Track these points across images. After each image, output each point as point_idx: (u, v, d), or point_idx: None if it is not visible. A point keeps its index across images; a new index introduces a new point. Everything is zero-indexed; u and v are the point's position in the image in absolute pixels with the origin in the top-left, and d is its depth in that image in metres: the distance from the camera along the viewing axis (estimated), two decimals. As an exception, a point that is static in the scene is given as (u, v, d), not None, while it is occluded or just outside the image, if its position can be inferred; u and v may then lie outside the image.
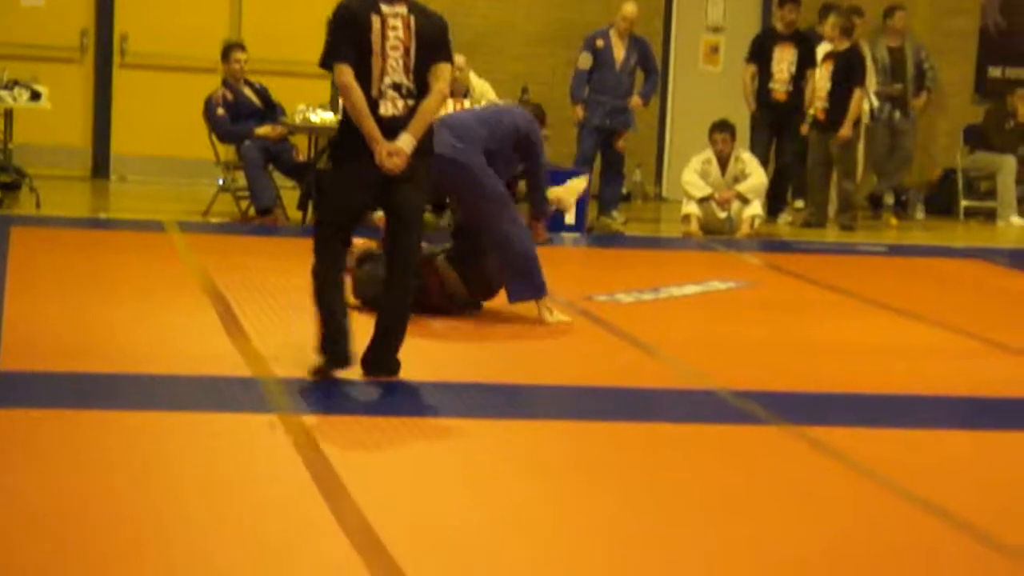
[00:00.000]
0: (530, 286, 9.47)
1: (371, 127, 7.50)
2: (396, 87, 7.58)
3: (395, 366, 7.79)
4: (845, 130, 15.11)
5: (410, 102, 7.60)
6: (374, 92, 7.55)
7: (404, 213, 7.68)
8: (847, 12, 15.74)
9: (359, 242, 10.11)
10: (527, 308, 9.50)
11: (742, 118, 15.62)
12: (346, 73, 7.52)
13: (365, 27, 7.54)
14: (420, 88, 7.62)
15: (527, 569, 5.27)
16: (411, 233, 7.72)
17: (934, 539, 5.84)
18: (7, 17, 16.01)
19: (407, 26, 7.59)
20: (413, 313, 7.93)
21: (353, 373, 7.80)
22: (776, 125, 15.76)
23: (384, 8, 7.57)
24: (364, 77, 7.54)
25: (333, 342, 7.63)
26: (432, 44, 7.65)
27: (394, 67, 7.56)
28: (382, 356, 7.77)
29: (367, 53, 7.54)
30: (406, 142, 7.53)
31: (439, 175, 9.26)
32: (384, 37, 7.55)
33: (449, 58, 7.74)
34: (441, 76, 7.64)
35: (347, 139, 7.66)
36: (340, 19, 7.63)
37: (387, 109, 7.56)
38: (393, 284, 7.74)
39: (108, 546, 5.22)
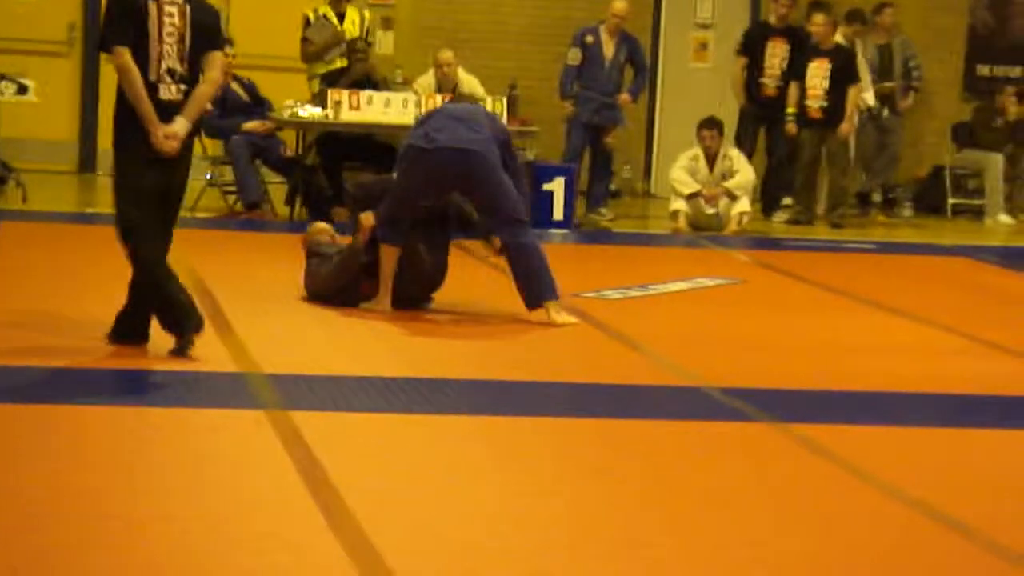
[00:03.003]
0: (548, 289, 9.41)
1: (148, 110, 7.80)
2: (171, 72, 7.88)
3: (146, 334, 8.04)
4: (847, 125, 15.13)
5: (183, 87, 7.91)
6: (152, 76, 7.84)
7: (175, 191, 8.01)
8: (846, 14, 15.75)
9: (321, 227, 10.10)
10: (518, 305, 9.47)
11: (731, 115, 15.61)
12: (124, 55, 7.81)
13: (143, 13, 7.83)
14: (193, 75, 7.95)
15: (515, 566, 5.24)
16: (175, 214, 8.08)
17: (924, 538, 5.82)
18: (-6, 11, 15.99)
19: (183, 14, 7.91)
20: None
21: (341, 368, 7.78)
22: (765, 120, 15.74)
23: None
24: (142, 62, 7.82)
25: (187, 312, 7.92)
26: (206, 33, 7.99)
27: (169, 53, 7.87)
28: (137, 323, 8.05)
29: (144, 38, 7.82)
30: (181, 126, 7.84)
31: (456, 166, 9.24)
32: (160, 24, 7.86)
33: (221, 47, 8.16)
34: (214, 64, 8.02)
35: (127, 122, 7.88)
36: (119, 4, 7.91)
37: (164, 93, 7.86)
38: (159, 257, 7.98)
39: (90, 543, 5.19)
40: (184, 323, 7.92)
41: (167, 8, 7.87)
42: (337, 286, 9.53)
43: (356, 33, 14.40)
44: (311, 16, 14.44)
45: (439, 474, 6.25)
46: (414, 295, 9.62)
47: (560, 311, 9.41)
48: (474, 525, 5.65)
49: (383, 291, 9.45)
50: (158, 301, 7.96)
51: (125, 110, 7.87)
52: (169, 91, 7.88)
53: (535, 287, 9.40)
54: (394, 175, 9.69)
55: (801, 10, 16.27)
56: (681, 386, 8.16)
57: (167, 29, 7.86)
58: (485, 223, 9.64)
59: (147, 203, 7.90)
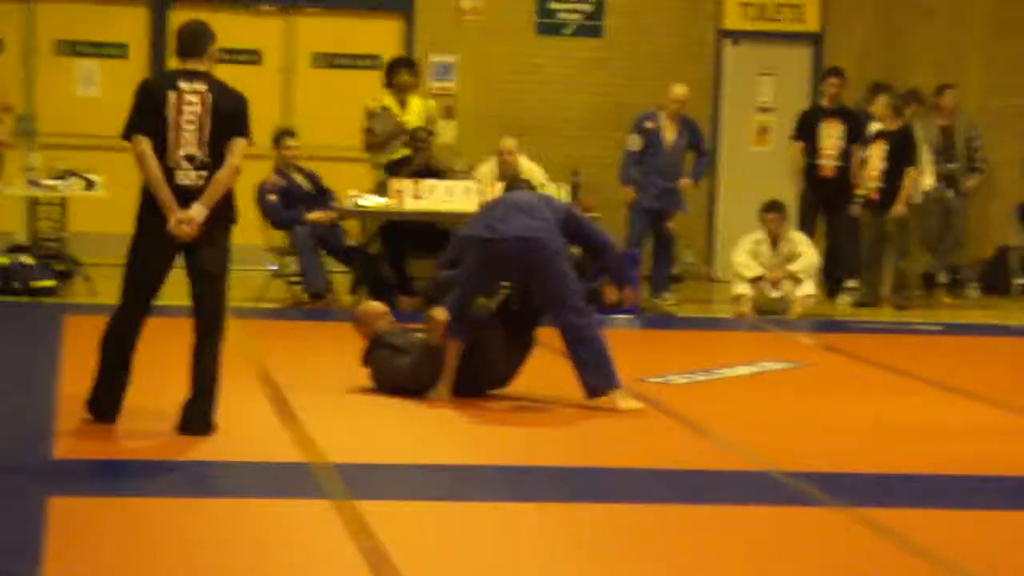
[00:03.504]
0: (609, 378, 9.40)
1: (165, 196, 8.07)
2: (190, 159, 8.11)
3: (208, 427, 8.17)
4: (899, 208, 15.08)
5: (203, 173, 8.13)
6: (170, 162, 8.10)
7: (205, 277, 8.24)
8: (904, 95, 15.75)
9: (378, 309, 10.06)
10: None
11: (792, 198, 15.60)
12: (141, 143, 8.09)
13: (161, 102, 8.10)
14: (216, 160, 8.15)
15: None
16: (214, 296, 8.28)
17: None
18: (64, 107, 16.21)
19: (204, 102, 8.13)
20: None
21: (407, 456, 7.79)
22: (825, 202, 15.72)
23: (182, 84, 8.15)
24: (160, 148, 8.08)
25: (98, 399, 8.23)
26: (228, 119, 8.19)
27: (189, 139, 8.09)
28: (196, 416, 8.18)
29: (163, 126, 8.08)
30: (197, 211, 8.09)
31: (517, 256, 9.27)
32: (180, 112, 8.11)
33: (244, 134, 8.25)
34: (234, 151, 8.18)
35: (147, 206, 8.18)
36: (139, 95, 8.23)
37: (182, 179, 8.10)
38: (202, 347, 8.24)
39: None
40: (95, 403, 8.26)
41: (187, 96, 8.12)
42: (418, 384, 9.52)
43: (418, 123, 14.49)
44: (373, 107, 14.54)
45: (507, 563, 6.23)
46: (480, 388, 9.60)
47: (625, 397, 9.39)
48: (542, 614, 5.61)
49: (445, 381, 9.45)
50: (96, 368, 8.26)
51: (147, 196, 8.16)
52: (188, 177, 8.12)
53: (601, 376, 9.37)
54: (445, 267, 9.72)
55: (859, 91, 16.28)
56: (748, 471, 8.11)
57: (186, 117, 8.10)
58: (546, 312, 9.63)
59: (149, 286, 8.20)
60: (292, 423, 8.62)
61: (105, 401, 8.31)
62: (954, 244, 16.65)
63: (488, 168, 14.41)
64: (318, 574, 5.94)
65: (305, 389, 9.58)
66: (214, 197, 8.13)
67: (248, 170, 14.92)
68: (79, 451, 7.81)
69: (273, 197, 14.01)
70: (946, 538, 6.78)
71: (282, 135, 14.42)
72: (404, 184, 13.68)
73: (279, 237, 14.43)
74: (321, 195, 14.29)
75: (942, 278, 16.62)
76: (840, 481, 7.82)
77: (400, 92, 14.58)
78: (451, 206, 13.57)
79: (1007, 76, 17.52)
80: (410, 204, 13.67)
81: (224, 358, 9.50)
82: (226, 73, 16.83)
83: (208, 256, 8.22)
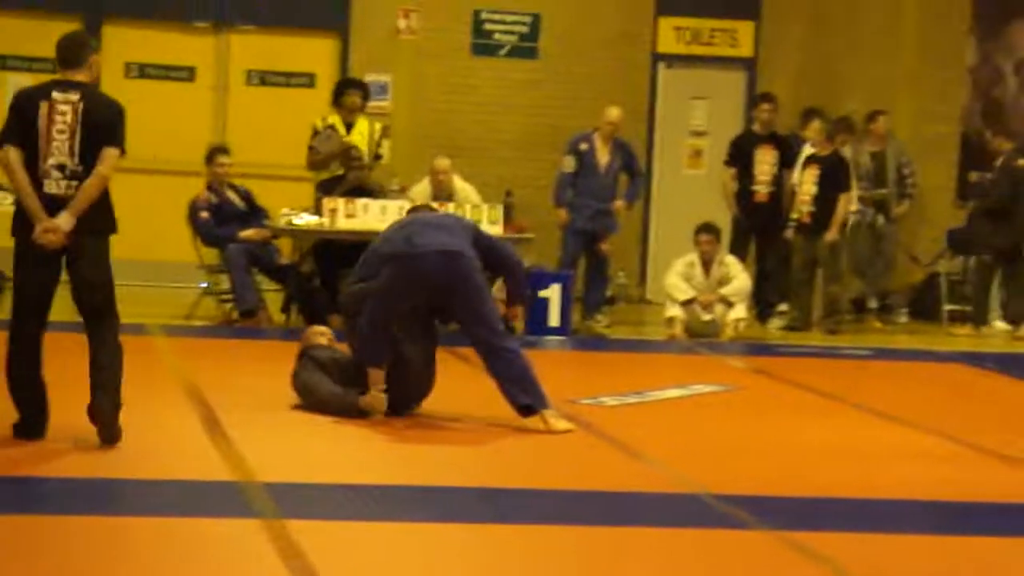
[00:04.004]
0: (539, 397, 9.39)
1: (31, 205, 8.17)
2: (60, 168, 8.19)
3: (116, 435, 8.24)
4: (832, 233, 15.18)
5: (74, 183, 8.20)
6: (40, 172, 8.17)
7: (86, 287, 8.32)
8: (837, 121, 15.87)
9: (319, 330, 10.09)
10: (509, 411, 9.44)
11: (726, 221, 15.68)
12: (9, 153, 8.21)
13: (34, 113, 8.20)
14: (89, 170, 8.23)
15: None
16: (99, 305, 8.38)
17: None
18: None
19: (75, 112, 8.22)
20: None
21: (337, 476, 7.77)
22: (758, 228, 15.81)
23: (55, 94, 8.25)
24: (31, 158, 8.18)
25: (20, 421, 8.30)
26: (100, 129, 8.25)
27: (60, 149, 8.18)
28: (107, 423, 8.24)
29: (35, 136, 8.18)
30: (64, 220, 8.15)
31: (441, 269, 9.26)
32: (51, 121, 8.20)
33: (115, 143, 8.30)
34: (104, 160, 8.23)
35: (20, 219, 8.27)
36: (12, 106, 8.34)
37: (50, 188, 8.18)
38: (97, 356, 8.35)
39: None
40: (24, 428, 8.30)
41: (59, 106, 8.20)
42: (332, 410, 9.48)
43: (364, 145, 14.43)
44: (319, 125, 14.49)
45: (435, 583, 6.22)
46: (403, 401, 9.59)
47: (557, 417, 9.39)
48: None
49: (373, 390, 9.40)
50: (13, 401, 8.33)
51: (21, 209, 8.26)
52: (57, 186, 8.20)
53: (528, 395, 9.36)
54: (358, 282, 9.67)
55: (792, 116, 16.40)
56: (678, 493, 8.13)
57: (57, 126, 8.19)
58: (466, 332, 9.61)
59: (27, 300, 8.31)
60: (222, 441, 8.58)
61: (26, 422, 8.30)
62: (884, 269, 16.77)
63: (422, 187, 14.42)
64: (246, 594, 5.91)
65: (235, 407, 9.53)
66: (81, 206, 8.19)
67: (181, 187, 15.09)
68: (4, 468, 7.72)
69: (205, 214, 13.95)
70: (873, 562, 6.82)
71: (215, 152, 14.37)
72: (337, 203, 13.66)
73: (211, 255, 14.37)
74: (254, 213, 14.24)
75: (872, 303, 16.73)
76: (768, 504, 7.84)
77: (349, 113, 14.52)
78: (384, 225, 13.50)
79: (936, 104, 17.67)
80: (343, 223, 13.66)
81: (153, 375, 9.48)
82: (159, 90, 16.94)
83: (86, 266, 8.29)
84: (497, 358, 9.38)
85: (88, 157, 8.20)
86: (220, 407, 9.49)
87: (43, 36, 16.30)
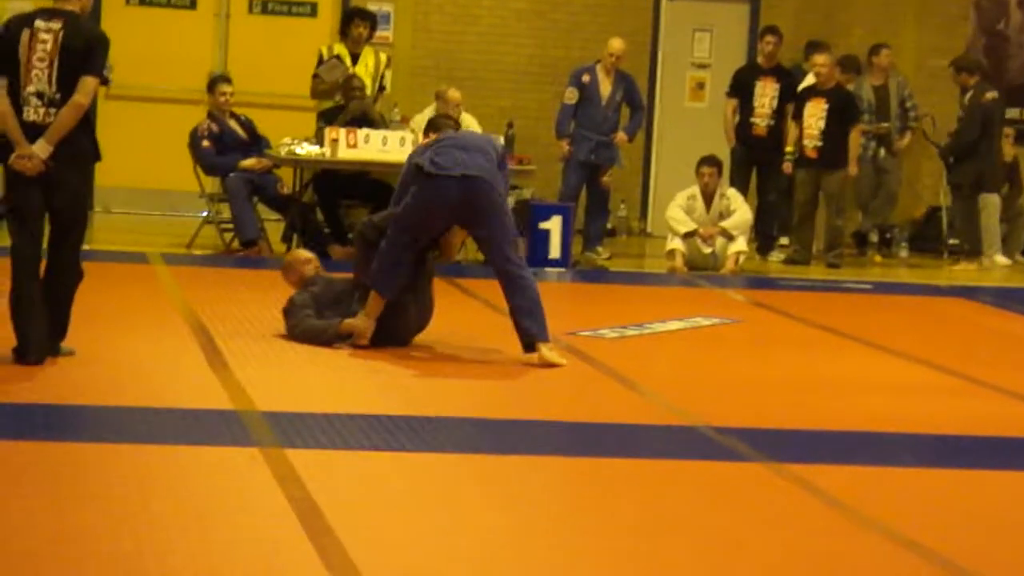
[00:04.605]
0: (542, 328, 9.38)
1: (12, 131, 8.26)
2: (39, 95, 8.25)
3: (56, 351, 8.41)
4: (853, 168, 15.19)
5: (52, 111, 8.26)
6: (20, 99, 8.26)
7: (59, 217, 8.34)
8: (842, 59, 15.83)
9: (304, 256, 10.06)
10: (513, 344, 9.45)
11: (727, 154, 15.64)
12: None
13: (15, 41, 8.27)
14: (67, 98, 8.24)
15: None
16: (67, 234, 8.38)
17: (916, 578, 5.82)
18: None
19: (56, 40, 8.26)
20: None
21: (336, 405, 7.80)
22: (757, 161, 15.78)
23: (38, 23, 8.32)
24: (16, 85, 8.27)
25: (23, 343, 8.29)
26: (78, 57, 8.26)
27: (39, 77, 8.24)
28: (37, 348, 8.32)
29: (16, 63, 8.26)
30: (40, 147, 8.19)
31: (462, 194, 9.21)
32: (31, 49, 8.26)
33: (94, 72, 8.29)
34: (80, 88, 8.23)
35: (7, 144, 8.32)
36: (0, 34, 8.46)
37: (29, 115, 8.26)
38: (49, 279, 8.37)
39: (86, 580, 5.19)
40: (19, 352, 8.29)
41: (41, 35, 8.26)
42: (317, 343, 9.50)
43: (369, 77, 14.38)
44: (325, 53, 14.44)
45: (433, 513, 6.25)
46: (398, 341, 9.58)
47: (552, 350, 9.39)
48: (468, 565, 5.64)
49: (369, 314, 9.41)
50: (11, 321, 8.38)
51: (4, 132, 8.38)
52: (36, 113, 8.25)
53: (536, 323, 9.35)
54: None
55: (794, 49, 16.35)
56: (676, 425, 8.16)
57: (38, 54, 8.25)
58: (486, 256, 9.58)
59: (24, 220, 8.34)
60: (222, 370, 8.60)
61: (24, 343, 8.30)
62: (886, 203, 16.76)
63: (423, 118, 14.36)
64: (245, 522, 5.94)
65: (235, 337, 9.55)
66: (57, 133, 8.21)
67: (182, 116, 15.06)
68: (3, 395, 7.75)
69: (207, 143, 13.93)
70: (870, 495, 6.85)
71: (216, 81, 14.33)
72: (338, 132, 13.63)
73: (212, 184, 14.36)
74: (255, 142, 14.21)
75: (873, 237, 16.71)
76: (766, 437, 7.87)
77: (355, 44, 14.47)
78: (385, 156, 13.53)
79: (941, 37, 17.60)
80: (344, 153, 13.62)
81: (153, 304, 9.49)
82: (161, 17, 16.84)
83: (60, 196, 8.31)
84: (512, 285, 9.36)
85: (66, 85, 8.22)
86: (220, 336, 9.51)
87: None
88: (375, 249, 9.39)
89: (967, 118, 15.84)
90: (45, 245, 8.47)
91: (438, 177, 9.26)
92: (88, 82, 8.26)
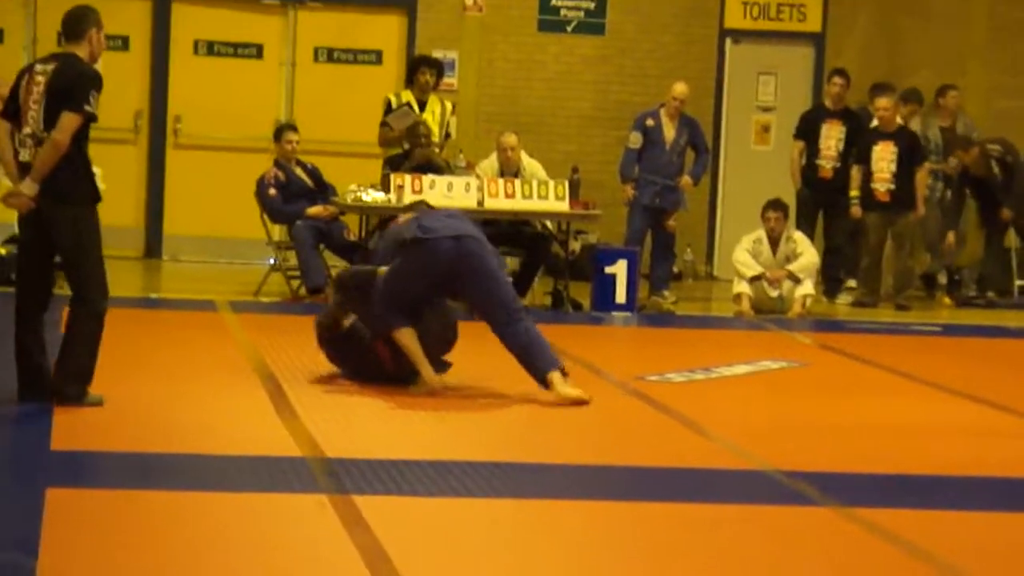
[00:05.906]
0: (546, 360, 9.33)
1: (8, 173, 8.51)
2: (33, 136, 8.41)
3: (55, 397, 8.42)
4: (921, 208, 15.16)
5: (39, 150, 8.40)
6: (17, 142, 8.44)
7: (60, 254, 8.47)
8: (904, 94, 15.81)
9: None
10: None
11: (793, 197, 15.60)
12: (1, 126, 8.49)
13: (18, 85, 8.49)
14: None
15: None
16: (68, 272, 8.46)
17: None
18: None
19: (47, 80, 8.42)
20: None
21: (404, 452, 7.81)
22: (823, 203, 15.73)
23: (37, 66, 8.54)
24: (19, 129, 8.45)
25: (26, 385, 8.43)
26: (59, 95, 8.36)
27: (34, 118, 8.40)
28: (47, 388, 8.44)
29: (18, 108, 8.46)
30: (26, 186, 8.34)
31: (454, 254, 9.25)
32: (28, 92, 8.43)
33: (72, 107, 8.31)
34: (59, 125, 8.31)
35: None
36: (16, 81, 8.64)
37: (23, 156, 8.44)
38: (70, 328, 8.45)
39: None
40: (24, 390, 8.42)
41: (36, 77, 8.44)
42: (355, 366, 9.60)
43: (435, 125, 14.46)
44: (394, 101, 14.53)
45: (502, 560, 6.23)
46: (431, 355, 9.58)
47: (565, 384, 9.35)
48: (537, 610, 5.62)
49: (422, 369, 9.42)
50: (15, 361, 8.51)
51: None
52: (28, 154, 8.40)
53: (537, 362, 9.33)
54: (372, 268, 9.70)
55: (860, 91, 16.30)
56: (745, 470, 8.11)
57: (33, 97, 8.44)
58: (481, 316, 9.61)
59: (28, 258, 8.56)
60: (290, 418, 8.62)
61: (23, 383, 8.47)
62: (955, 245, 16.63)
63: (489, 163, 14.40)
64: (315, 570, 5.94)
65: (302, 384, 9.58)
66: (39, 171, 8.31)
67: (249, 164, 15.15)
68: (76, 443, 7.80)
69: (273, 191, 14.02)
70: (944, 539, 6.78)
71: (283, 129, 14.44)
72: (404, 179, 13.67)
73: (279, 231, 14.44)
74: (321, 190, 14.29)
75: (942, 279, 16.60)
76: (837, 481, 7.81)
77: (421, 92, 14.56)
78: (451, 202, 13.55)
79: (1007, 77, 17.51)
80: (410, 199, 13.64)
81: (221, 351, 9.54)
82: (228, 67, 16.99)
83: (56, 234, 8.42)
84: (506, 340, 9.40)
85: (52, 123, 8.32)
86: (287, 383, 9.54)
87: (111, 14, 16.52)
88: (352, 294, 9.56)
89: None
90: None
91: (428, 241, 9.34)
92: (67, 118, 8.30)
